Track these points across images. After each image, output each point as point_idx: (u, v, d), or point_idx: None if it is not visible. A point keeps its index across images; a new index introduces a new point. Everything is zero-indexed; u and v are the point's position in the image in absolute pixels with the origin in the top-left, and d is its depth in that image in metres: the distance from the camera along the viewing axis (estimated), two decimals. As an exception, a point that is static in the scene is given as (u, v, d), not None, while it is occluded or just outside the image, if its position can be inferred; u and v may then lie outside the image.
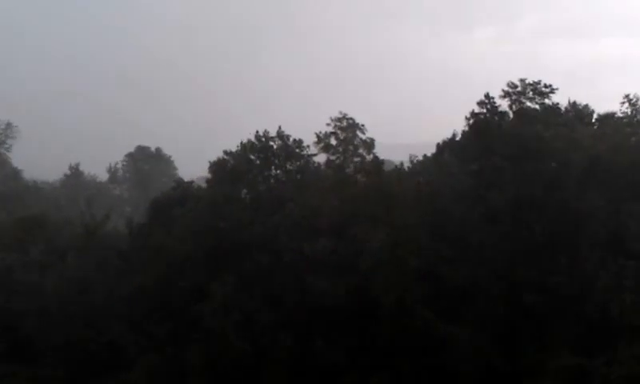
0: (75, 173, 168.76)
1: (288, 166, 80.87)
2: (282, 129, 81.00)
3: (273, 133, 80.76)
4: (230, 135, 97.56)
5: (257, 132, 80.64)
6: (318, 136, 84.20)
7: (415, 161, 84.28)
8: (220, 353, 67.25)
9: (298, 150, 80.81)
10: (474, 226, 69.25)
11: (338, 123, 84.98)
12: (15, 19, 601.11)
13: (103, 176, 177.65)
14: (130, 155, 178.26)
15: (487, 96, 74.87)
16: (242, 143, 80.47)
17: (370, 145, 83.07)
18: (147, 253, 75.93)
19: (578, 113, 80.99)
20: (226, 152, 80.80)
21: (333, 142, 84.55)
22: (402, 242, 67.91)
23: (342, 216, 72.39)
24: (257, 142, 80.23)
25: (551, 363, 63.31)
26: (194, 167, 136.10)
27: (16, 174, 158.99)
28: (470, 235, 68.95)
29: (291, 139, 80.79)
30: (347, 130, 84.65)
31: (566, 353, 63.44)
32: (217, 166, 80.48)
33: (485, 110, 74.76)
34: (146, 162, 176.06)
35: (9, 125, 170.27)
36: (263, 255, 71.29)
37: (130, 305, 73.47)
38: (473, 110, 75.02)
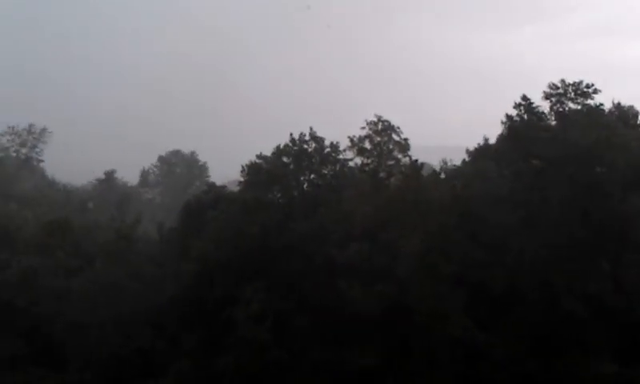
0: (108, 177, 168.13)
1: (323, 170, 79.58)
2: (315, 130, 79.67)
3: (308, 136, 79.47)
4: (266, 139, 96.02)
5: (291, 135, 79.46)
6: (351, 140, 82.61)
7: (450, 164, 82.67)
8: (252, 359, 66.31)
9: (333, 154, 79.49)
10: (513, 230, 67.62)
11: (373, 126, 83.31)
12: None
13: (133, 180, 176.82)
14: (162, 158, 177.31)
15: (524, 98, 73.23)
16: (277, 146, 79.28)
17: (404, 147, 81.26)
18: (178, 258, 74.97)
19: (623, 114, 78.85)
20: (259, 156, 79.61)
21: (367, 145, 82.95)
22: (437, 248, 66.61)
23: (376, 221, 70.99)
24: (291, 145, 79.01)
25: (591, 371, 61.99)
26: (228, 171, 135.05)
27: (49, 181, 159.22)
28: (509, 240, 67.35)
29: (327, 142, 79.49)
30: (382, 133, 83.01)
31: (607, 360, 62.23)
32: (250, 170, 79.37)
33: (522, 112, 73.15)
34: (179, 165, 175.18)
35: (43, 130, 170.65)
36: (296, 260, 70.14)
37: (161, 310, 72.62)
38: (508, 113, 73.60)
